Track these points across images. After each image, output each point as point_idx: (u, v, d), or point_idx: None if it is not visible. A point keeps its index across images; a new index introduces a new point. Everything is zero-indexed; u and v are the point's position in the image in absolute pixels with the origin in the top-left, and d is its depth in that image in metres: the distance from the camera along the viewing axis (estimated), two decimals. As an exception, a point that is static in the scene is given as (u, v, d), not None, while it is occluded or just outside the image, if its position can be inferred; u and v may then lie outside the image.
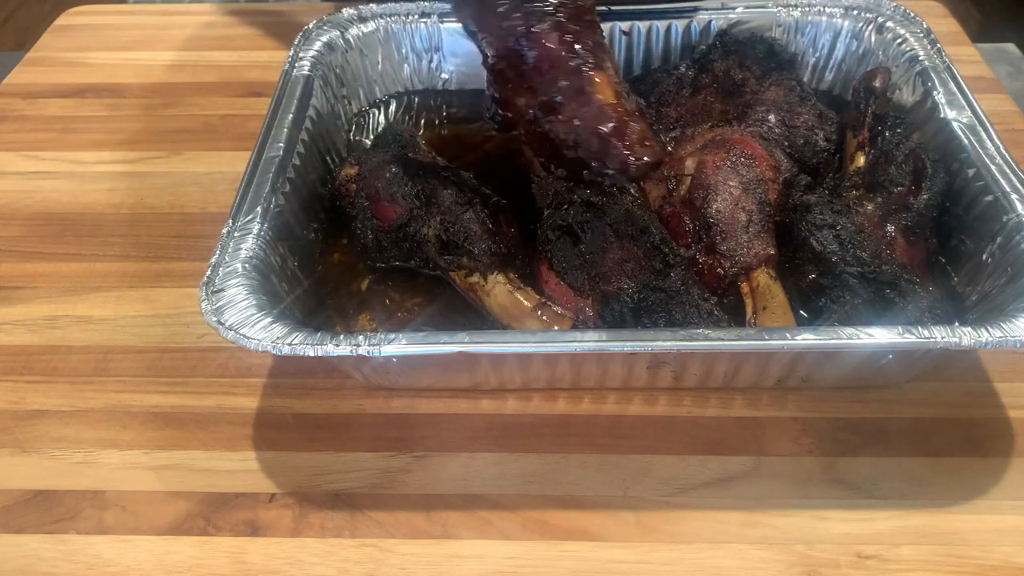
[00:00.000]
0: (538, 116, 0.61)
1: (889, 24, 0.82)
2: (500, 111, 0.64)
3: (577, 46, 0.60)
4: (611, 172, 0.59)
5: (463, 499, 0.60)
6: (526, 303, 0.64)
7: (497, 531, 0.58)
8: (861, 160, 0.71)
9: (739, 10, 0.85)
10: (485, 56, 0.64)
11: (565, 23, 0.60)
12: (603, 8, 0.86)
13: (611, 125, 0.58)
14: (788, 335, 0.55)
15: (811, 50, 0.86)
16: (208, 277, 0.59)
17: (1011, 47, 1.08)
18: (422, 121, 0.88)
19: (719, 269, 0.67)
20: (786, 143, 0.76)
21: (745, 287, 0.66)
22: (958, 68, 0.76)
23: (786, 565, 0.56)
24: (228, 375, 0.68)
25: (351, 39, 0.85)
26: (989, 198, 0.65)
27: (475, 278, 0.67)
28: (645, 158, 0.58)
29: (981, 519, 0.58)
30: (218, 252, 0.61)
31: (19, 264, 0.78)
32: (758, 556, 0.57)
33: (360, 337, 0.55)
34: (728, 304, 0.67)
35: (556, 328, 0.63)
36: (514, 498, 0.60)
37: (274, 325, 0.56)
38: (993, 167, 0.66)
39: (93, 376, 0.69)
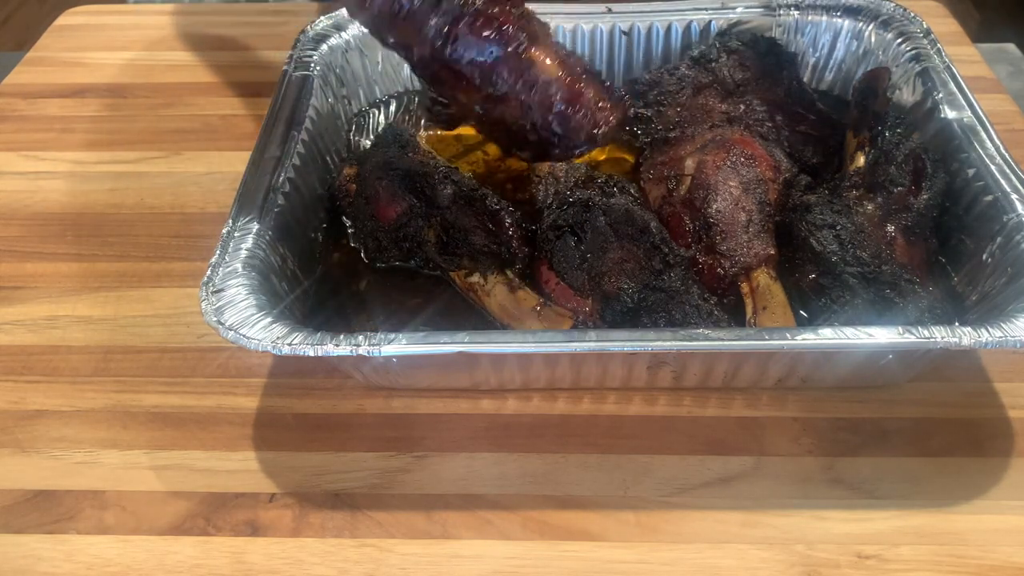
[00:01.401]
0: (486, 108, 0.59)
1: (889, 24, 0.82)
2: (445, 110, 0.62)
3: (503, 28, 0.57)
4: (578, 144, 0.57)
5: (463, 499, 0.60)
6: (526, 303, 0.64)
7: (497, 531, 0.58)
8: (861, 160, 0.71)
9: (739, 10, 0.85)
10: (413, 65, 0.62)
11: (481, 10, 0.57)
12: (603, 8, 0.86)
13: (564, 98, 0.57)
14: (788, 335, 0.55)
15: (811, 50, 0.86)
16: (208, 277, 0.59)
17: (1011, 47, 1.08)
18: (422, 121, 0.88)
19: (719, 269, 0.66)
20: (786, 143, 0.76)
21: (745, 287, 0.66)
22: (958, 68, 0.76)
23: (786, 565, 0.56)
24: (228, 375, 0.68)
25: (351, 39, 0.85)
26: (989, 198, 0.65)
27: (475, 278, 0.67)
28: (609, 120, 0.56)
29: (981, 519, 0.58)
30: (218, 252, 0.61)
31: (19, 264, 0.78)
32: (758, 556, 0.57)
33: (360, 337, 0.55)
34: (728, 304, 0.67)
35: (556, 328, 0.63)
36: (514, 498, 0.60)
37: (274, 325, 0.56)
38: (993, 167, 0.66)
39: (93, 376, 0.69)
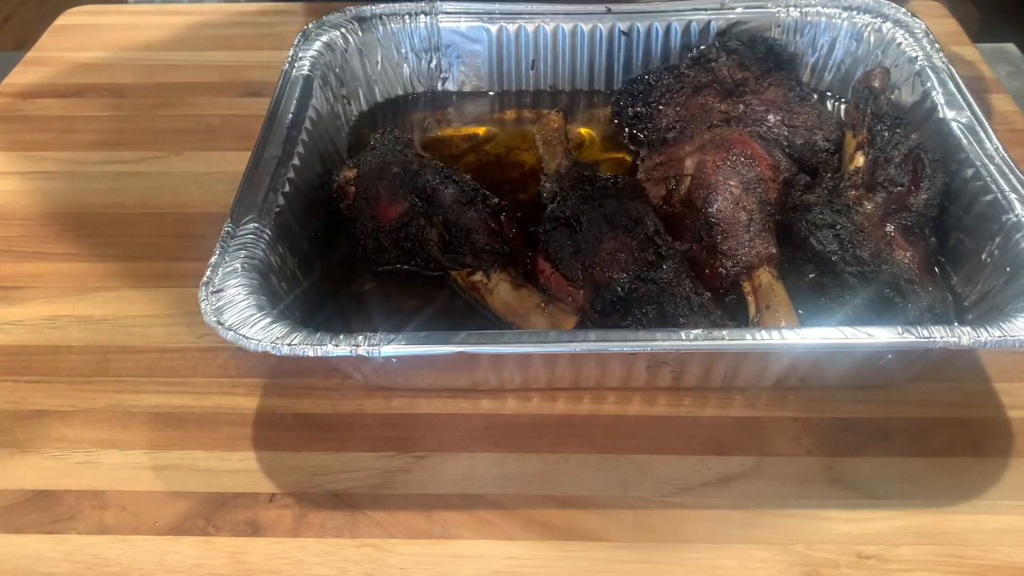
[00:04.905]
0: None
1: (889, 24, 0.82)
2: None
3: None
4: None
5: (463, 499, 0.60)
6: (530, 299, 0.64)
7: (497, 531, 0.58)
8: (860, 160, 0.71)
9: (739, 10, 0.85)
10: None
11: None
12: (602, 8, 0.86)
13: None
14: (788, 335, 0.55)
15: (810, 50, 0.87)
16: (208, 277, 0.59)
17: (1011, 47, 1.08)
18: (423, 122, 0.88)
19: (721, 268, 0.67)
20: (786, 143, 0.76)
21: (747, 286, 0.66)
22: (958, 68, 0.76)
23: (786, 565, 0.56)
24: (228, 375, 0.68)
25: (351, 39, 0.85)
26: (988, 198, 0.65)
27: (478, 276, 0.67)
28: None
29: (981, 519, 0.58)
30: (218, 252, 0.61)
31: (19, 264, 0.78)
32: (758, 556, 0.57)
33: (360, 337, 0.55)
34: (729, 304, 0.67)
35: (560, 324, 0.63)
36: (514, 498, 0.60)
37: (274, 325, 0.56)
38: (992, 167, 0.66)
39: (93, 376, 0.69)
